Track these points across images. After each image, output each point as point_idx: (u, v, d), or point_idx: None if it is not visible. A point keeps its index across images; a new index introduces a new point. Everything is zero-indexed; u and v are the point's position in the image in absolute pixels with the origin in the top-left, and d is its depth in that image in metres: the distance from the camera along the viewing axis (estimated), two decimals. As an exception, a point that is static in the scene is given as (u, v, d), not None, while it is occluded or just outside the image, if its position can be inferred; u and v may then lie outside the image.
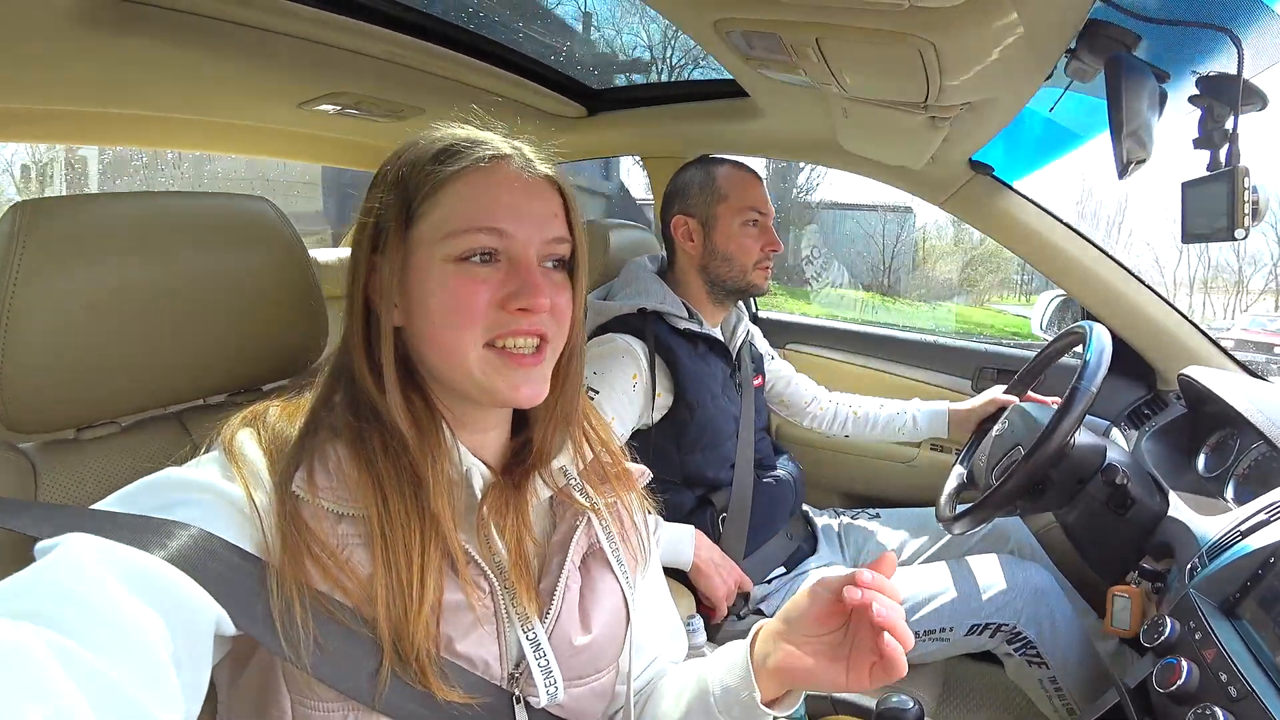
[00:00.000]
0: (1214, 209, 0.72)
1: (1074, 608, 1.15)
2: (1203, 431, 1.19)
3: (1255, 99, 0.71)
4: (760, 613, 1.20)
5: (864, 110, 1.04)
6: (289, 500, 0.50)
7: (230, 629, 0.45)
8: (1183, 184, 0.78)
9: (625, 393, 1.13)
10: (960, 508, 1.14)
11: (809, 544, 1.35)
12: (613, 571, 0.63)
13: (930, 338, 1.84)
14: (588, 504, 0.63)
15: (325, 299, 0.75)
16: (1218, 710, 0.67)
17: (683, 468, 1.20)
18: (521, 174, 0.56)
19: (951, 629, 1.13)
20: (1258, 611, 0.76)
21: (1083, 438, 1.05)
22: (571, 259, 0.60)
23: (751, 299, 1.85)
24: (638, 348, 1.16)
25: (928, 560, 1.34)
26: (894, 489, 1.71)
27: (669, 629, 0.74)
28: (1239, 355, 1.36)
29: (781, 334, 1.90)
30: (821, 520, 1.45)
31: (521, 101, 1.43)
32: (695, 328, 1.22)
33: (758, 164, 1.35)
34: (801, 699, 0.76)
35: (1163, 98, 0.75)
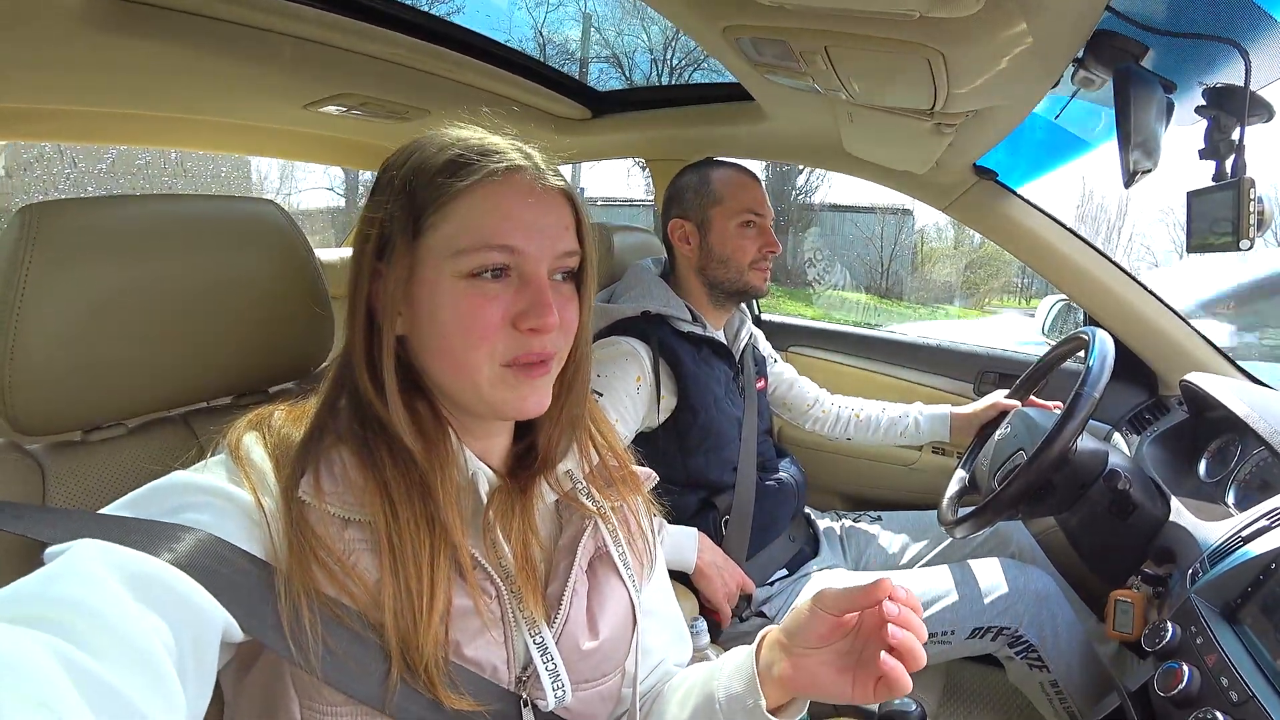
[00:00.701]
0: (1219, 219, 0.72)
1: (1075, 612, 1.16)
2: (1204, 437, 1.20)
3: (1262, 110, 0.71)
4: (763, 614, 1.21)
5: (869, 116, 1.04)
6: (295, 505, 0.50)
7: (238, 635, 0.45)
8: (1188, 194, 0.78)
9: (629, 395, 1.14)
10: (962, 511, 1.15)
11: (811, 546, 1.36)
12: (620, 575, 0.63)
13: (933, 341, 1.84)
14: (594, 508, 0.63)
15: (331, 299, 0.75)
16: (1219, 715, 0.68)
17: (686, 470, 1.20)
18: (534, 186, 0.55)
19: (953, 632, 1.14)
20: (1259, 617, 0.76)
21: (1085, 443, 1.06)
22: (580, 270, 0.60)
23: (754, 301, 1.86)
24: (641, 351, 1.17)
25: (929, 563, 1.34)
26: (896, 492, 1.72)
27: (674, 632, 0.74)
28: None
29: (784, 337, 1.90)
30: (823, 523, 1.45)
31: (526, 103, 1.43)
32: (698, 331, 1.22)
33: (756, 166, 1.35)
34: (806, 705, 0.77)
35: (1170, 108, 0.76)
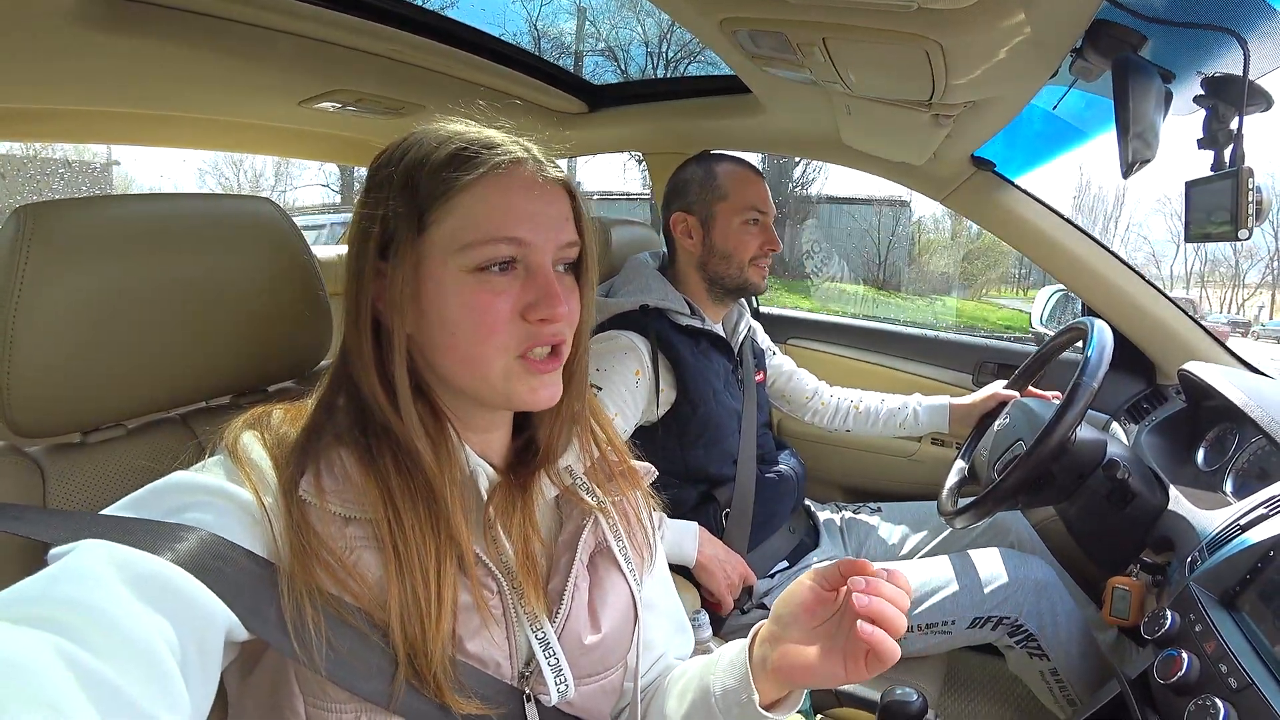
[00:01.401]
0: (1218, 209, 0.72)
1: (1075, 601, 1.17)
2: (1202, 426, 1.20)
3: (1260, 100, 0.71)
4: (764, 606, 1.21)
5: (867, 107, 1.04)
6: (296, 505, 0.49)
7: (242, 634, 0.45)
8: (1187, 183, 0.78)
9: (628, 389, 1.14)
10: (962, 502, 1.15)
11: (811, 538, 1.36)
12: (620, 570, 0.63)
13: (931, 333, 1.85)
14: (595, 503, 0.63)
15: (329, 297, 0.75)
16: (1218, 701, 0.68)
17: (686, 463, 1.20)
18: (535, 178, 0.55)
19: (954, 622, 1.15)
20: (1257, 604, 0.77)
21: (1084, 432, 1.06)
22: (580, 261, 0.60)
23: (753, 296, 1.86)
24: (640, 344, 1.17)
25: (929, 554, 1.35)
26: (895, 483, 1.72)
27: (676, 624, 0.75)
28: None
29: (783, 329, 1.91)
30: (823, 515, 1.46)
31: (523, 98, 1.43)
32: (697, 324, 1.23)
33: (753, 159, 1.35)
34: (805, 696, 0.77)
35: (1168, 98, 0.76)
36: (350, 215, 0.58)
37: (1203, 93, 0.75)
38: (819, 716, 0.97)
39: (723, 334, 1.29)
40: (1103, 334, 1.08)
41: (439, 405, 0.58)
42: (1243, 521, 0.87)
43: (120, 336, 0.60)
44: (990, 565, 1.18)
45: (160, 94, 1.21)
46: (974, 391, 1.44)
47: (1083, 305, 1.51)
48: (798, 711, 0.76)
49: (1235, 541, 0.84)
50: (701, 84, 1.55)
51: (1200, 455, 1.16)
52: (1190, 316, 1.37)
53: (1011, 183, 1.41)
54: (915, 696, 0.83)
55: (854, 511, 1.49)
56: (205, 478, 0.49)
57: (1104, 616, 1.01)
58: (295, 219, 0.74)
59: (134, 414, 0.65)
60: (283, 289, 0.70)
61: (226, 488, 0.49)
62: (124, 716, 0.34)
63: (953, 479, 1.31)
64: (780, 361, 1.54)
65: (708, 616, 1.04)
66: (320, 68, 1.16)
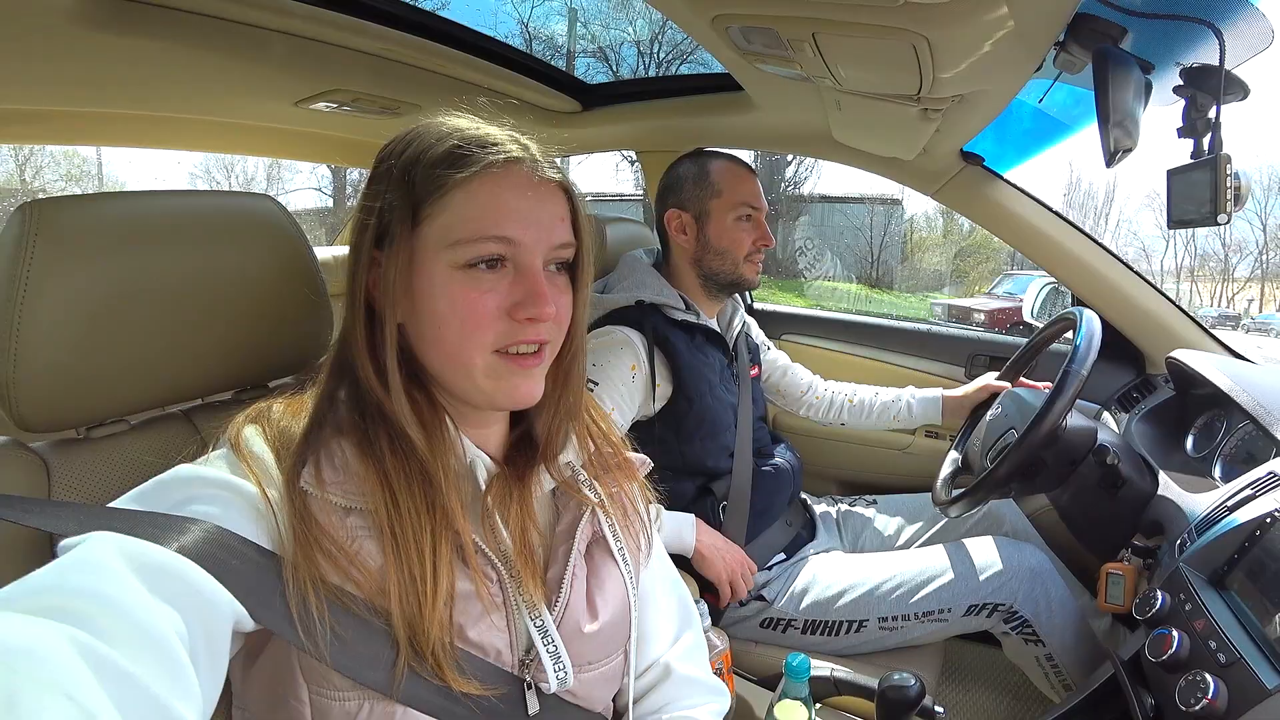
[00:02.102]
0: (1198, 195, 0.74)
1: (1068, 587, 1.18)
2: (1191, 413, 1.22)
3: (1237, 89, 0.73)
4: (762, 598, 1.23)
5: (857, 103, 1.05)
6: (298, 496, 0.50)
7: (249, 624, 0.46)
8: (1168, 171, 0.80)
9: (625, 383, 1.15)
10: (956, 491, 1.16)
11: (808, 530, 1.37)
12: (615, 560, 0.64)
13: (924, 326, 1.86)
14: (594, 498, 0.64)
15: (330, 296, 0.76)
16: (1208, 676, 0.70)
17: (683, 457, 1.21)
18: (531, 177, 0.55)
19: (950, 610, 1.16)
20: (1245, 582, 0.78)
21: (1074, 420, 1.08)
22: (575, 261, 0.60)
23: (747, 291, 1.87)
24: (636, 339, 1.18)
25: (925, 544, 1.36)
26: (890, 475, 1.74)
27: (681, 614, 0.75)
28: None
29: (777, 325, 1.92)
30: (820, 507, 1.47)
31: (517, 97, 1.44)
32: (692, 319, 1.24)
33: (745, 157, 1.36)
34: (805, 685, 0.78)
35: (1148, 88, 0.77)
36: None
37: (1181, 83, 0.77)
38: (818, 705, 0.98)
39: (718, 329, 1.31)
40: (1091, 323, 1.10)
41: (436, 397, 0.59)
42: (1230, 503, 0.89)
43: (124, 332, 0.61)
44: (985, 553, 1.20)
45: (155, 95, 1.22)
46: (966, 383, 1.46)
47: (1072, 297, 1.53)
48: (797, 700, 0.77)
49: (1223, 522, 0.86)
50: (694, 82, 1.56)
51: (1190, 442, 1.18)
52: (1176, 305, 1.39)
53: (1000, 177, 1.43)
54: (913, 682, 0.84)
55: (850, 504, 1.50)
56: (210, 471, 0.50)
57: (1099, 603, 1.03)
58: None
59: (137, 409, 0.66)
60: (284, 286, 0.71)
61: (231, 480, 0.49)
62: (138, 704, 0.34)
63: (947, 469, 1.32)
64: (775, 356, 1.55)
65: (706, 606, 1.05)
66: (315, 67, 1.16)
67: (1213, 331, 1.37)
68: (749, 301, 1.99)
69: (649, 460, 0.73)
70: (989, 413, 1.29)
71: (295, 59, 1.10)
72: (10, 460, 0.58)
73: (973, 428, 1.38)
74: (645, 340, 1.18)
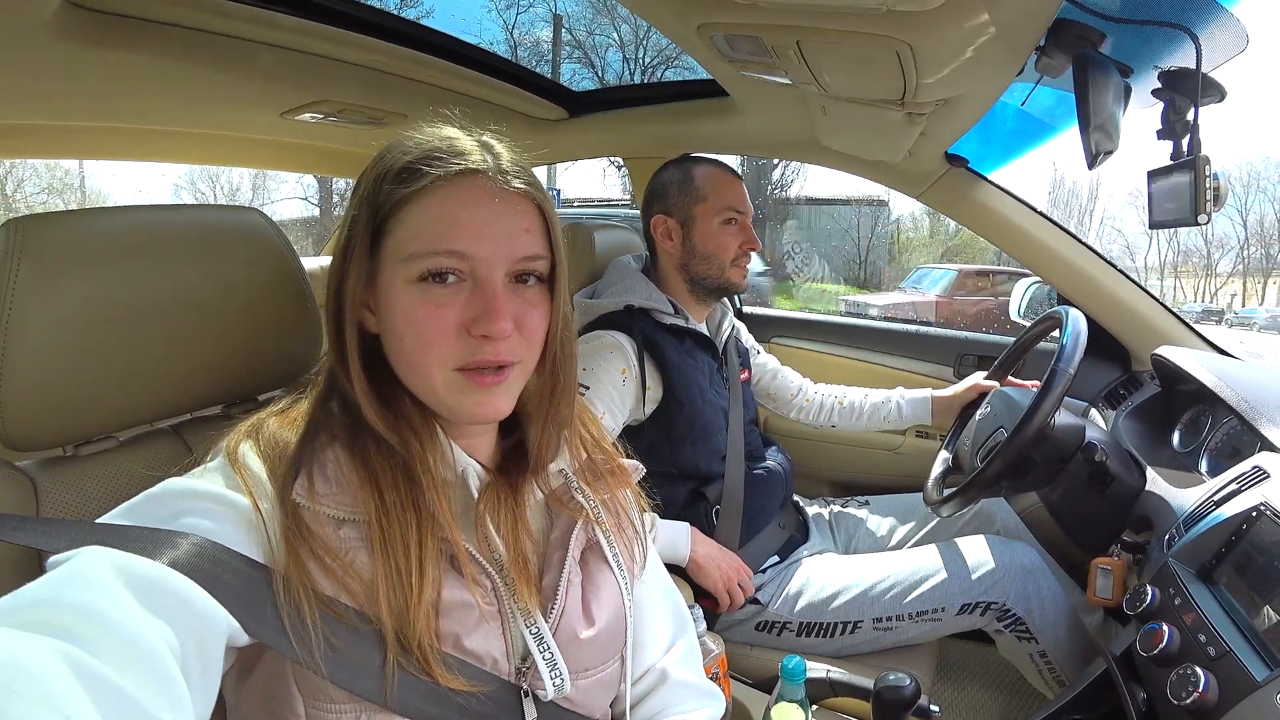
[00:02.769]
0: (1178, 196, 0.75)
1: (1060, 584, 1.19)
2: (1176, 408, 1.24)
3: (1213, 92, 0.75)
4: (756, 601, 1.23)
5: (843, 107, 1.06)
6: (290, 508, 0.50)
7: (243, 638, 0.46)
8: (1148, 173, 0.82)
9: (615, 388, 1.15)
10: (947, 491, 1.17)
11: (801, 533, 1.38)
12: (610, 566, 0.64)
13: (912, 327, 1.88)
14: (588, 506, 0.64)
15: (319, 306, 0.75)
16: (1198, 669, 0.71)
17: (675, 462, 1.22)
18: (490, 188, 0.54)
19: (943, 609, 1.17)
20: (1233, 575, 0.79)
21: (1062, 418, 1.09)
22: (551, 274, 0.59)
23: (735, 295, 1.88)
24: (626, 343, 1.18)
25: (917, 544, 1.37)
26: (881, 476, 1.75)
27: (676, 620, 0.75)
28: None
29: (766, 328, 1.93)
30: (812, 509, 1.48)
31: (502, 105, 1.44)
32: (681, 323, 1.24)
33: (732, 162, 1.37)
34: (800, 686, 0.78)
35: (1127, 91, 0.79)
36: None
37: (1160, 86, 0.78)
38: (814, 707, 0.98)
39: (707, 333, 1.31)
40: (1077, 321, 1.11)
41: (426, 406, 0.59)
42: (1216, 497, 0.90)
43: (111, 348, 0.60)
44: (977, 552, 1.21)
45: (140, 108, 1.21)
46: (955, 383, 1.47)
47: (1058, 296, 1.55)
48: (793, 702, 0.77)
49: (1210, 517, 0.87)
50: (680, 88, 1.57)
51: (1176, 437, 1.20)
52: (1160, 302, 1.41)
53: (985, 178, 1.45)
54: (908, 681, 0.85)
55: (842, 505, 1.51)
56: (201, 484, 0.50)
57: (1088, 597, 1.03)
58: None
59: (125, 425, 0.65)
60: (273, 299, 0.71)
61: (223, 493, 0.49)
62: (128, 718, 0.34)
63: (937, 469, 1.33)
64: (765, 360, 1.56)
65: (701, 611, 1.05)
66: (301, 79, 1.16)
67: (1196, 327, 1.39)
68: (738, 306, 2.00)
69: (641, 466, 0.73)
70: (978, 412, 1.30)
71: (280, 70, 1.10)
72: None
73: (962, 427, 1.39)
74: (635, 344, 1.18)
